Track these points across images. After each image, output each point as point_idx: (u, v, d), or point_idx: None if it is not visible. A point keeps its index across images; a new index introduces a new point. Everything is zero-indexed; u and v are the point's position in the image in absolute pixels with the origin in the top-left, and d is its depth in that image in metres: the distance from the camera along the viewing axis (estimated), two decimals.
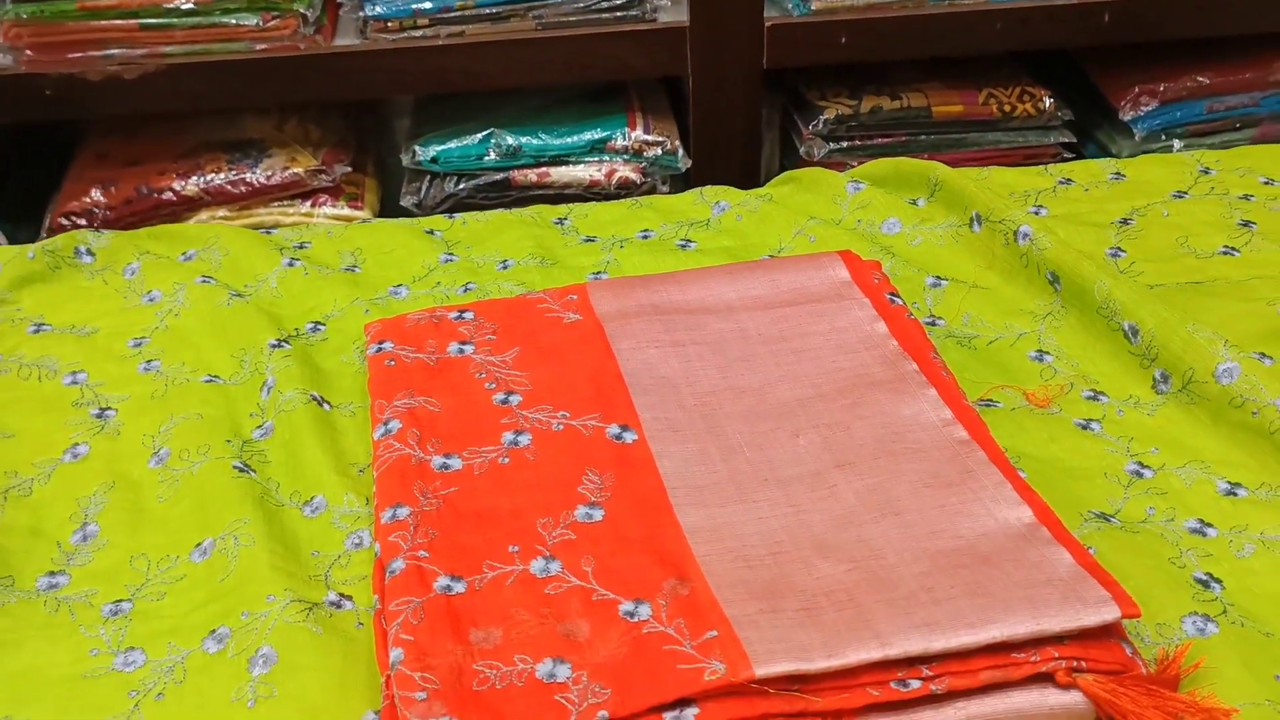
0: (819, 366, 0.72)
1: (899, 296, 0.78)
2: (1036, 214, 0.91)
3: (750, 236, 0.91)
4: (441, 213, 1.51)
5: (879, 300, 0.77)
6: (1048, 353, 0.77)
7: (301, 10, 1.40)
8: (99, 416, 0.72)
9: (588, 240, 0.90)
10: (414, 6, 1.42)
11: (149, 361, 0.76)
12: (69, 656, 0.56)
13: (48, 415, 0.71)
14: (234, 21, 1.39)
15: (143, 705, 0.54)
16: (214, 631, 0.57)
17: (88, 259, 0.86)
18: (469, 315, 0.77)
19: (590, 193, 1.51)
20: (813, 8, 1.49)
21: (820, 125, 1.56)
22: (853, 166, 1.57)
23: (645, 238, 0.91)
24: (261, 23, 1.39)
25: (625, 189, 1.52)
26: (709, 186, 0.96)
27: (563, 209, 0.94)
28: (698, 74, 1.48)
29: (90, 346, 0.78)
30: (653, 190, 1.53)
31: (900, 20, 1.50)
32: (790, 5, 1.49)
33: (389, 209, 1.62)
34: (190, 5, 1.37)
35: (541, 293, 0.79)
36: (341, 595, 0.60)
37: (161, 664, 0.56)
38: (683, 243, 0.90)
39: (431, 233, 0.90)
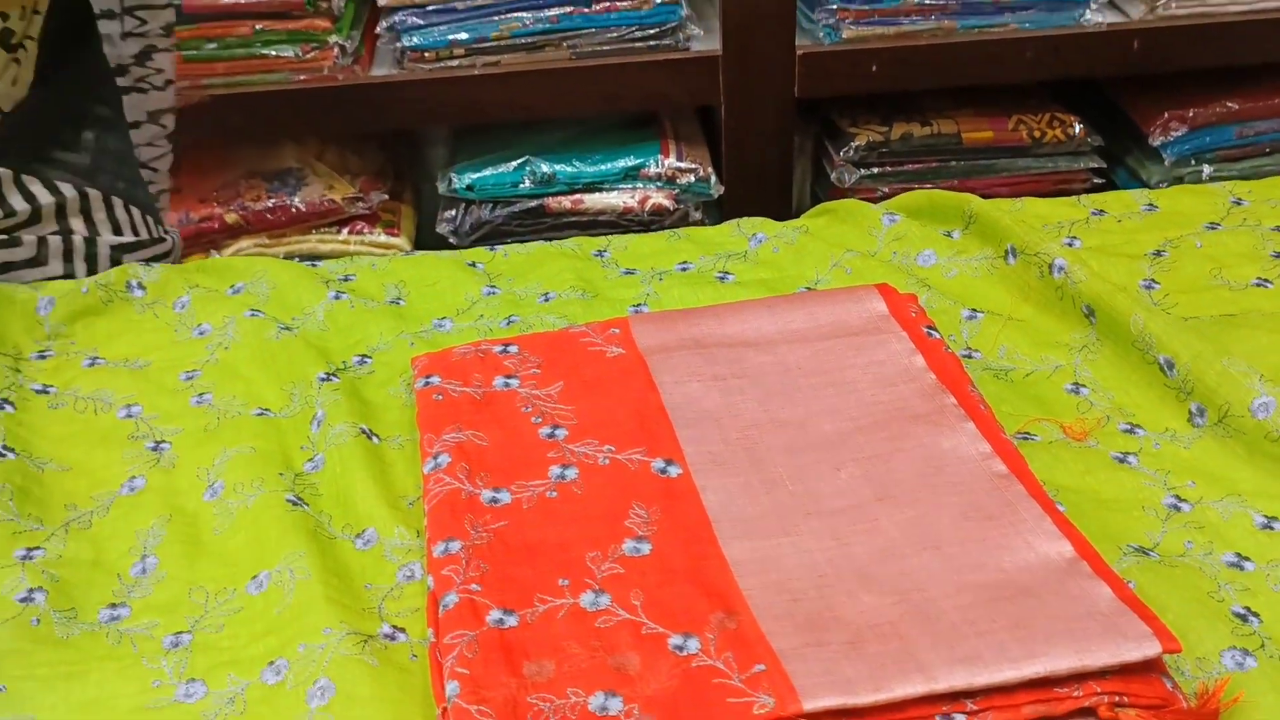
0: (858, 400, 0.74)
1: (936, 329, 0.79)
2: (1070, 245, 0.92)
3: (787, 269, 0.92)
4: (477, 239, 1.53)
5: (916, 333, 0.78)
6: (1084, 385, 0.78)
7: (340, 42, 1.43)
8: (154, 450, 0.74)
9: (627, 273, 0.92)
10: (450, 37, 1.45)
11: (201, 395, 0.78)
12: (133, 688, 0.58)
13: (104, 448, 0.73)
14: (274, 53, 1.42)
15: None
16: (272, 663, 0.59)
17: (139, 293, 0.88)
18: (513, 349, 0.78)
19: (624, 219, 1.54)
20: (844, 36, 1.51)
21: (851, 152, 1.58)
22: (884, 192, 1.59)
23: (684, 270, 0.92)
24: (300, 54, 1.42)
25: (658, 215, 1.54)
26: (746, 218, 0.98)
27: (602, 241, 0.96)
28: (730, 102, 1.51)
29: (143, 380, 0.80)
30: (685, 216, 1.55)
31: (930, 49, 1.52)
32: (822, 34, 1.51)
33: (425, 236, 1.65)
34: (232, 38, 1.41)
35: (584, 326, 0.81)
36: (395, 628, 0.61)
37: (222, 695, 0.58)
38: (721, 275, 0.91)
39: (473, 265, 0.92)
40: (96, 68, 1.02)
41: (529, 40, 1.46)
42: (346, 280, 0.90)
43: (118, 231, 1.00)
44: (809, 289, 0.90)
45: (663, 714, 0.53)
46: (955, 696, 0.53)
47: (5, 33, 0.91)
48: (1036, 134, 1.61)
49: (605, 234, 0.98)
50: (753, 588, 0.60)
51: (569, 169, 1.51)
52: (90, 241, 0.98)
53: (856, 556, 0.62)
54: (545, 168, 1.51)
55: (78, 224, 0.98)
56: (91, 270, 0.98)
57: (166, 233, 1.06)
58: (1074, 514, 0.65)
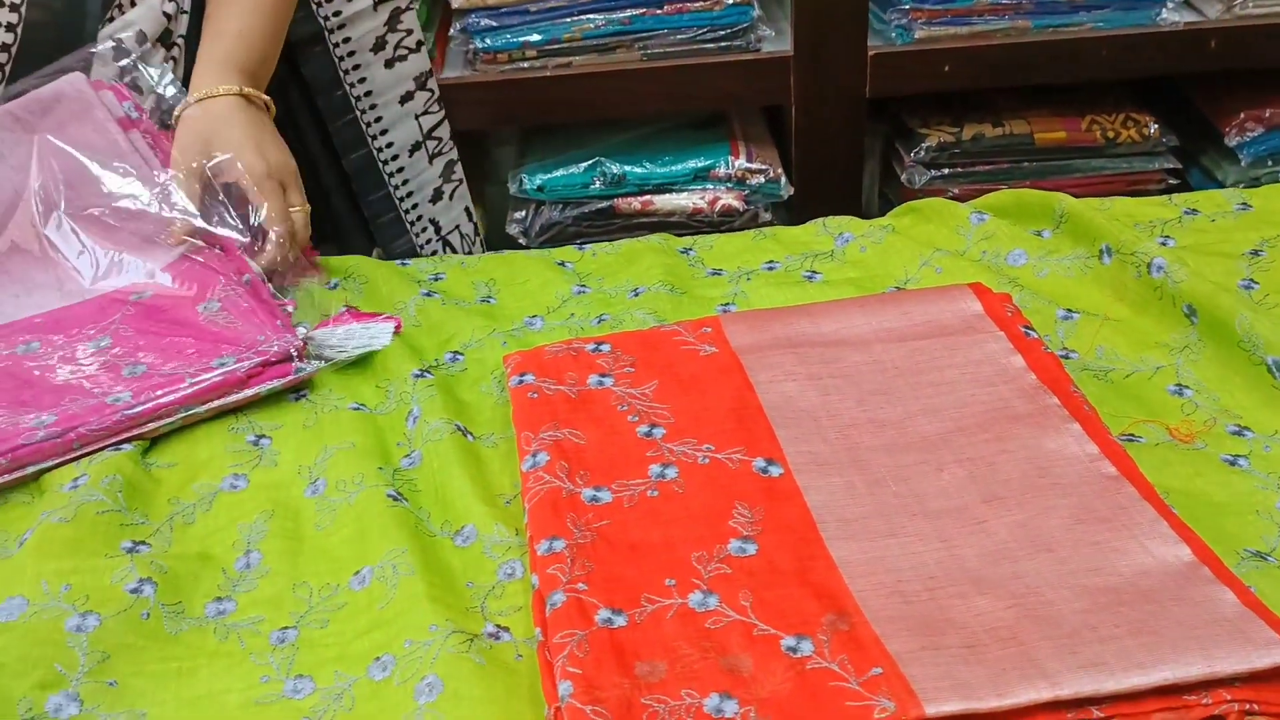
0: (956, 399, 0.73)
1: (1033, 329, 0.78)
2: (1164, 244, 0.90)
3: (875, 268, 0.91)
4: (546, 240, 1.54)
5: (1013, 333, 0.77)
6: (1187, 387, 0.76)
7: None
8: (255, 444, 0.74)
9: (714, 272, 0.91)
10: (523, 39, 1.45)
11: (298, 391, 0.79)
12: (242, 683, 0.58)
13: (207, 443, 0.74)
14: None
15: None
16: (378, 659, 0.59)
17: None
18: (606, 347, 0.78)
19: (693, 220, 1.53)
20: (916, 36, 1.50)
21: (922, 153, 1.56)
22: (954, 194, 1.58)
23: (770, 269, 0.92)
24: None
25: (728, 217, 1.53)
26: (831, 217, 0.97)
27: (687, 240, 0.95)
28: (801, 103, 1.50)
29: None
30: (754, 217, 1.54)
31: (1004, 48, 1.50)
32: (894, 34, 1.50)
33: (493, 236, 1.65)
34: None
35: (675, 325, 0.80)
36: (499, 627, 0.61)
37: (330, 691, 0.58)
38: (808, 274, 0.91)
39: (563, 264, 0.92)
40: None
41: (601, 42, 1.46)
42: (437, 279, 0.91)
43: None
44: (899, 288, 0.89)
45: (779, 716, 0.52)
46: (1080, 703, 0.52)
47: (164, 33, 0.92)
48: (1110, 134, 1.58)
49: (684, 233, 0.98)
50: (863, 589, 0.59)
51: (639, 170, 1.51)
52: None
53: (966, 559, 0.61)
54: (616, 169, 1.50)
55: None
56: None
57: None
58: (1186, 517, 0.64)
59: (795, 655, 0.55)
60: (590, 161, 1.51)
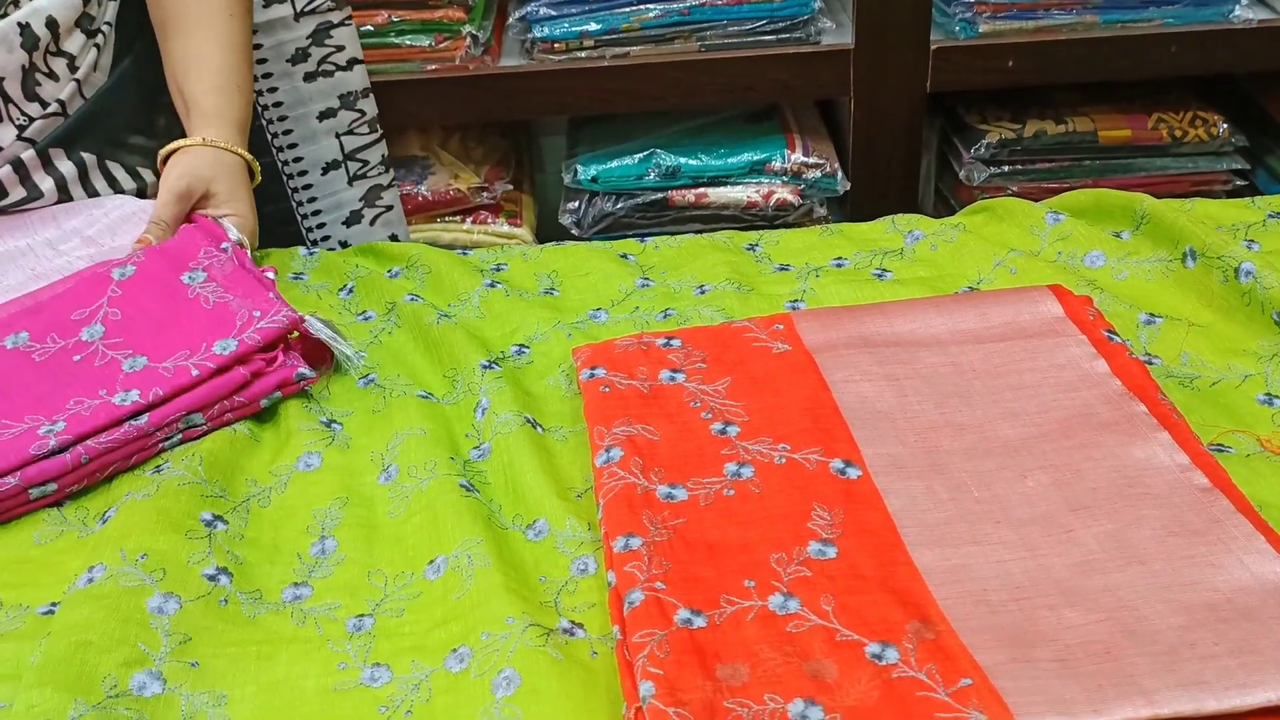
0: (1038, 404, 0.71)
1: (1116, 334, 0.76)
2: (1249, 248, 0.88)
3: (947, 267, 0.89)
4: (599, 231, 1.52)
5: (1096, 337, 0.75)
6: (1277, 396, 0.74)
7: (472, 32, 1.43)
8: (328, 425, 0.74)
9: (781, 268, 0.90)
10: (580, 29, 1.44)
11: (366, 376, 0.78)
12: (319, 669, 0.58)
13: (282, 421, 0.74)
14: (407, 42, 1.43)
15: None
16: (455, 650, 0.58)
17: (304, 277, 0.89)
18: (676, 343, 0.77)
19: (747, 214, 1.51)
20: (980, 31, 1.47)
21: (982, 149, 1.54)
22: (1013, 191, 1.55)
23: (839, 266, 0.90)
24: (433, 44, 1.42)
25: (782, 211, 1.51)
26: (900, 215, 0.95)
27: (753, 235, 0.94)
28: (860, 96, 1.48)
29: None
30: (809, 212, 1.53)
31: (1070, 43, 1.47)
32: (957, 28, 1.47)
33: (544, 226, 1.64)
34: (368, 27, 1.41)
35: (747, 321, 0.79)
36: (573, 623, 0.60)
37: (407, 681, 0.57)
38: (878, 272, 0.89)
39: (625, 257, 0.91)
40: (158, 53, 1.00)
41: (659, 32, 1.44)
42: (499, 269, 0.90)
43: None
44: (972, 289, 0.87)
45: None
46: None
47: (85, 18, 0.91)
48: (1178, 133, 1.55)
49: (730, 229, 0.96)
50: (948, 597, 0.57)
51: (694, 163, 1.49)
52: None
53: (1054, 569, 0.59)
54: (670, 161, 1.49)
55: None
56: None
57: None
58: None
59: (880, 663, 0.54)
60: (645, 153, 1.50)
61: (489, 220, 1.55)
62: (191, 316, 0.77)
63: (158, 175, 0.96)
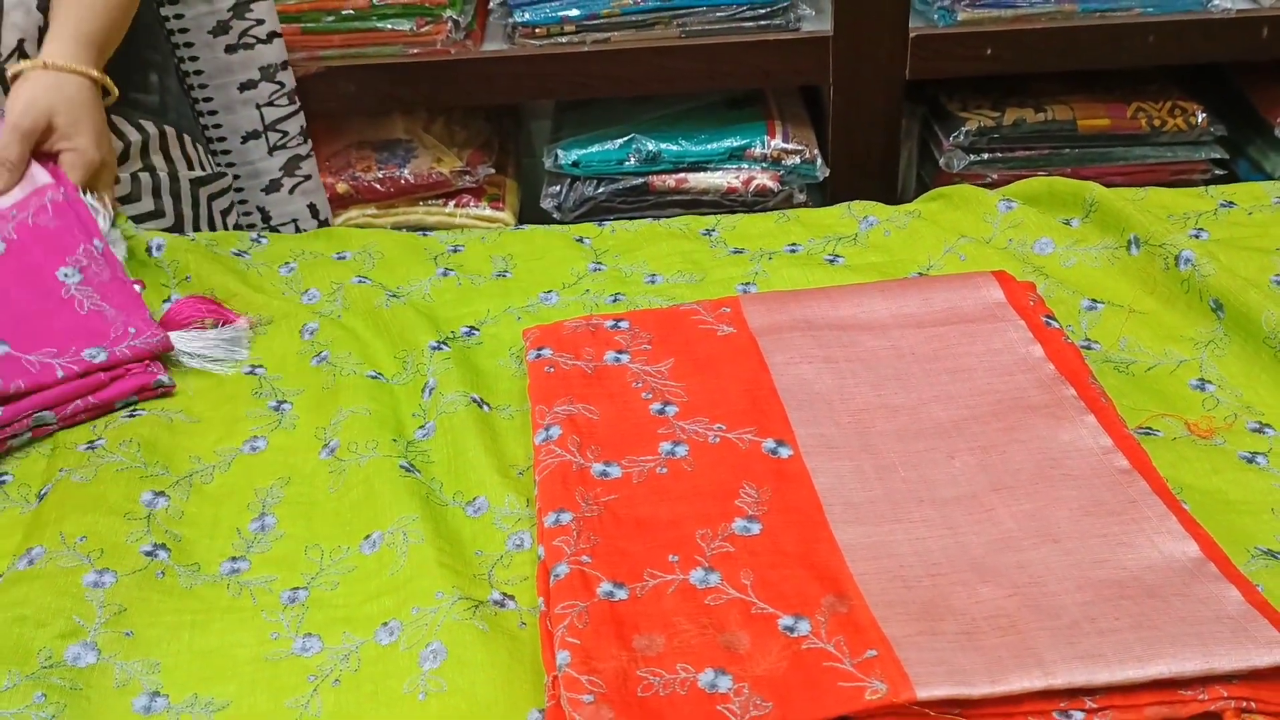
0: (973, 387, 0.72)
1: (1055, 319, 0.77)
2: (1196, 237, 0.89)
3: (899, 253, 0.91)
4: (581, 215, 1.54)
5: (1034, 323, 0.77)
6: (1209, 382, 0.75)
7: (454, 16, 1.44)
8: (276, 409, 0.76)
9: (735, 252, 0.91)
10: (562, 14, 1.45)
11: (320, 354, 0.80)
12: (253, 638, 0.60)
13: (231, 404, 0.76)
14: (389, 26, 1.44)
15: (321, 689, 0.57)
16: (386, 624, 0.60)
17: (246, 257, 0.91)
18: (624, 325, 0.79)
19: (727, 199, 1.53)
20: (959, 19, 1.48)
21: (961, 137, 1.55)
22: (992, 179, 1.56)
23: (793, 251, 0.91)
24: (415, 28, 1.44)
25: (762, 196, 1.53)
26: (857, 202, 0.96)
27: (710, 220, 0.95)
28: (839, 83, 1.49)
29: (266, 340, 0.82)
30: (789, 198, 1.54)
31: (1048, 32, 1.48)
32: (935, 16, 1.48)
33: (527, 210, 1.66)
34: (349, 10, 1.42)
35: (695, 304, 0.80)
36: (505, 595, 0.62)
37: (338, 651, 0.59)
38: (831, 258, 0.90)
39: (581, 240, 0.92)
40: (146, 12, 1.03)
41: (639, 18, 1.45)
42: (456, 251, 0.91)
43: (190, 167, 1.04)
44: (921, 274, 0.88)
45: (772, 694, 0.53)
46: (1074, 693, 0.52)
47: None
48: (1156, 122, 1.56)
49: (710, 214, 0.98)
50: (865, 573, 0.59)
51: (674, 148, 1.51)
52: (173, 177, 1.02)
53: (971, 546, 0.61)
54: (651, 146, 1.50)
55: (159, 161, 1.01)
56: (177, 205, 1.01)
57: (223, 169, 1.10)
58: (1199, 513, 0.63)
59: (792, 635, 0.56)
60: (625, 138, 1.51)
61: (471, 204, 1.56)
62: (63, 319, 0.77)
63: (159, 129, 1.00)
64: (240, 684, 0.57)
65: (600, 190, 1.52)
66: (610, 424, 0.70)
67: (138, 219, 0.97)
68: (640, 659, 0.55)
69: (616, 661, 0.54)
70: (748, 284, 0.87)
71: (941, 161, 1.58)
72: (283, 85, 1.13)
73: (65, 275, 0.79)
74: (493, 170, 1.58)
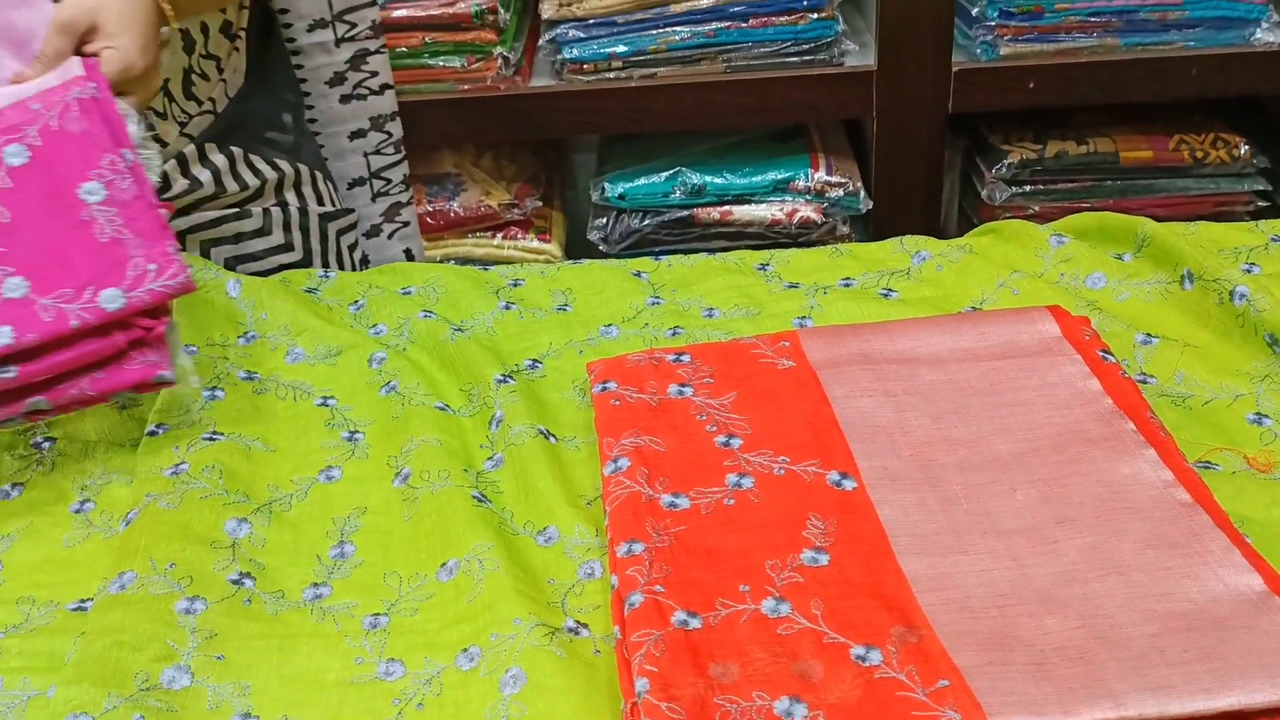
0: (1031, 421, 0.73)
1: (1111, 354, 0.79)
2: (1249, 272, 0.90)
3: (951, 287, 0.92)
4: (626, 247, 1.56)
5: (1090, 357, 0.78)
6: (1266, 415, 0.76)
7: (504, 53, 1.47)
8: (349, 440, 0.78)
9: (790, 286, 0.93)
10: (609, 50, 1.48)
11: (388, 383, 0.82)
12: (338, 663, 0.62)
13: (306, 435, 0.78)
14: (440, 63, 1.47)
15: (405, 713, 0.59)
16: (466, 650, 0.62)
17: (316, 293, 0.93)
18: (686, 358, 0.80)
19: (771, 231, 1.55)
20: (1001, 53, 1.50)
21: (1004, 169, 1.56)
22: (1034, 211, 1.57)
23: (847, 285, 0.93)
24: (466, 64, 1.47)
25: (806, 229, 1.54)
26: (909, 236, 0.98)
27: (765, 255, 0.97)
28: (883, 117, 1.51)
29: (336, 371, 0.84)
30: (833, 230, 1.55)
31: (1090, 66, 1.49)
32: (978, 50, 1.50)
33: (573, 242, 1.69)
34: (403, 49, 1.46)
35: (754, 338, 0.82)
36: (578, 623, 0.64)
37: (419, 676, 0.61)
38: (884, 292, 0.92)
39: (638, 275, 0.94)
40: (277, 53, 1.09)
41: (685, 53, 1.48)
42: (516, 285, 0.94)
43: (319, 203, 1.08)
44: (975, 308, 0.90)
45: None
46: None
47: (226, 24, 0.98)
48: (1199, 154, 1.57)
49: (753, 246, 1.00)
50: (932, 604, 0.60)
51: (719, 181, 1.53)
52: (303, 212, 1.05)
53: (1036, 578, 0.62)
54: (696, 179, 1.53)
55: (291, 197, 1.05)
56: (306, 240, 1.05)
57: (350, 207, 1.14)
58: (1261, 547, 0.64)
59: (864, 664, 0.57)
60: (671, 171, 1.53)
61: (519, 236, 1.59)
62: (81, 246, 0.71)
63: (294, 168, 1.04)
64: (327, 707, 0.59)
65: (646, 223, 1.54)
66: (677, 456, 0.72)
67: (269, 252, 1.01)
68: (717, 686, 0.56)
69: (694, 689, 0.56)
70: (803, 318, 0.89)
71: (984, 194, 1.59)
72: (390, 135, 1.17)
73: (88, 193, 0.73)
74: (540, 203, 1.60)
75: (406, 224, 1.21)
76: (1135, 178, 1.58)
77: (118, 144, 0.76)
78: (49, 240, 0.72)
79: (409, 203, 1.21)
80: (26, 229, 0.72)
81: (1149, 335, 0.84)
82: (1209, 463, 0.73)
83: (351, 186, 1.17)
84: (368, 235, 1.19)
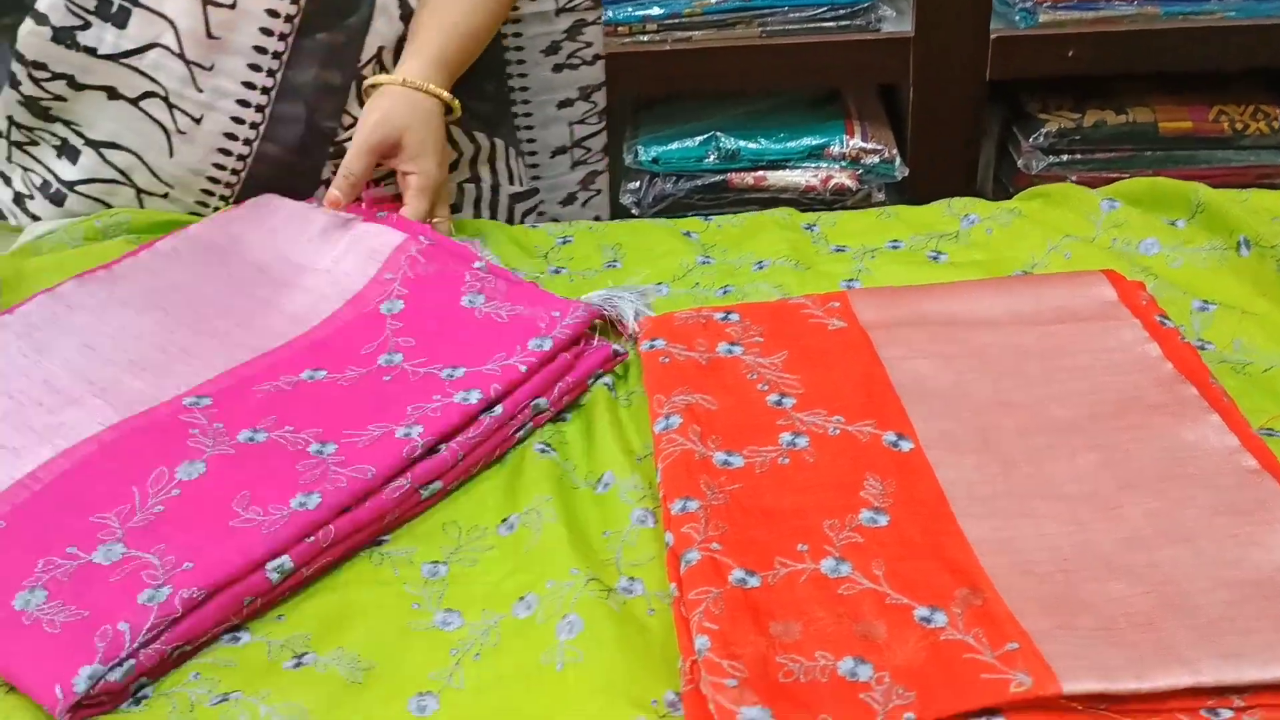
0: (1090, 386, 0.72)
1: (1169, 319, 0.77)
2: None
3: (1002, 251, 0.90)
4: (659, 211, 1.55)
5: (1149, 322, 0.76)
6: None
7: None
8: None
9: (838, 249, 0.92)
10: (644, 13, 1.45)
11: None
12: (396, 608, 0.61)
13: None
14: None
15: (463, 663, 0.58)
16: (522, 598, 0.61)
17: None
18: (734, 317, 0.79)
19: (805, 198, 1.53)
20: (1040, 20, 1.47)
21: (1041, 138, 1.54)
22: (1072, 181, 1.55)
23: (894, 248, 0.92)
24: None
25: (840, 195, 1.53)
26: (956, 199, 0.96)
27: (811, 216, 0.96)
28: (919, 84, 1.49)
29: None
30: (867, 197, 1.54)
31: (1130, 34, 1.47)
32: (1017, 17, 1.48)
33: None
34: None
35: (803, 298, 0.81)
36: (632, 579, 0.63)
37: (477, 626, 0.60)
38: (933, 255, 0.90)
39: (688, 234, 0.93)
40: None
41: (721, 17, 1.46)
42: (565, 242, 0.92)
43: (511, 181, 1.07)
44: (1026, 273, 0.88)
45: (914, 684, 0.53)
46: (1221, 691, 0.52)
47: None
48: (1239, 126, 1.54)
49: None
50: (995, 566, 0.59)
51: (754, 146, 1.51)
52: (494, 190, 1.04)
53: (1100, 544, 0.61)
54: (730, 144, 1.51)
55: (485, 172, 1.04)
56: (493, 217, 1.04)
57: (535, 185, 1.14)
58: None
59: (929, 625, 0.56)
60: (705, 136, 1.51)
61: None
62: (492, 329, 0.75)
63: (491, 141, 1.02)
64: (385, 651, 0.59)
65: (679, 187, 1.53)
66: (728, 414, 0.70)
67: None
68: (778, 645, 0.55)
69: (755, 647, 0.55)
70: (851, 280, 0.88)
71: (1020, 163, 1.57)
72: (595, 104, 1.15)
73: (470, 302, 0.78)
74: None
75: (599, 192, 1.20)
76: (1174, 148, 1.56)
77: (467, 261, 0.81)
78: (458, 340, 0.75)
79: (604, 171, 1.19)
80: (435, 342, 0.75)
81: (1206, 302, 0.83)
82: (1271, 430, 0.71)
83: (554, 155, 1.16)
84: (563, 204, 1.18)
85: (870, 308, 0.79)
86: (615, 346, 0.78)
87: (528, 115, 1.12)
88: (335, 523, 0.62)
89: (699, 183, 1.53)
